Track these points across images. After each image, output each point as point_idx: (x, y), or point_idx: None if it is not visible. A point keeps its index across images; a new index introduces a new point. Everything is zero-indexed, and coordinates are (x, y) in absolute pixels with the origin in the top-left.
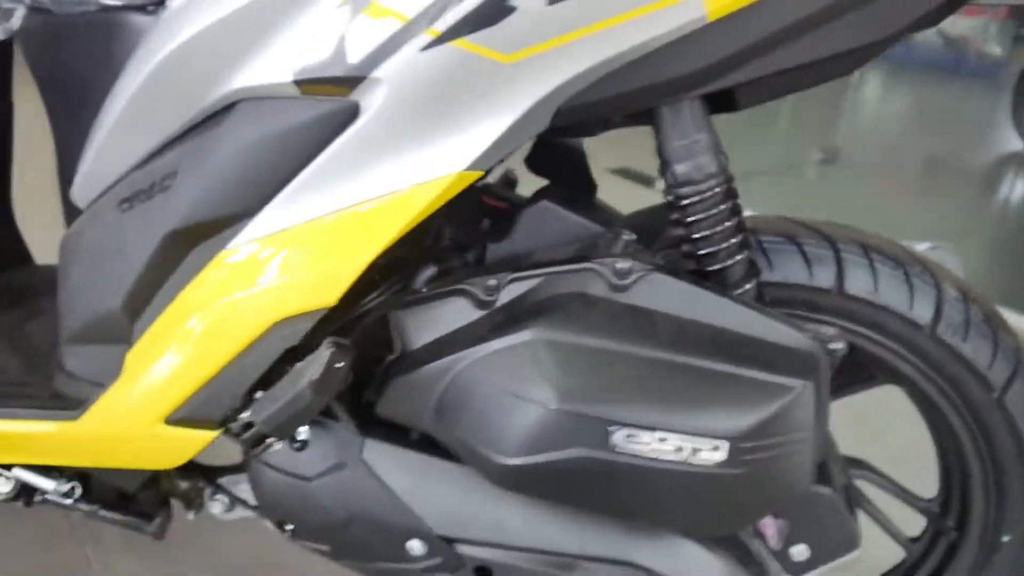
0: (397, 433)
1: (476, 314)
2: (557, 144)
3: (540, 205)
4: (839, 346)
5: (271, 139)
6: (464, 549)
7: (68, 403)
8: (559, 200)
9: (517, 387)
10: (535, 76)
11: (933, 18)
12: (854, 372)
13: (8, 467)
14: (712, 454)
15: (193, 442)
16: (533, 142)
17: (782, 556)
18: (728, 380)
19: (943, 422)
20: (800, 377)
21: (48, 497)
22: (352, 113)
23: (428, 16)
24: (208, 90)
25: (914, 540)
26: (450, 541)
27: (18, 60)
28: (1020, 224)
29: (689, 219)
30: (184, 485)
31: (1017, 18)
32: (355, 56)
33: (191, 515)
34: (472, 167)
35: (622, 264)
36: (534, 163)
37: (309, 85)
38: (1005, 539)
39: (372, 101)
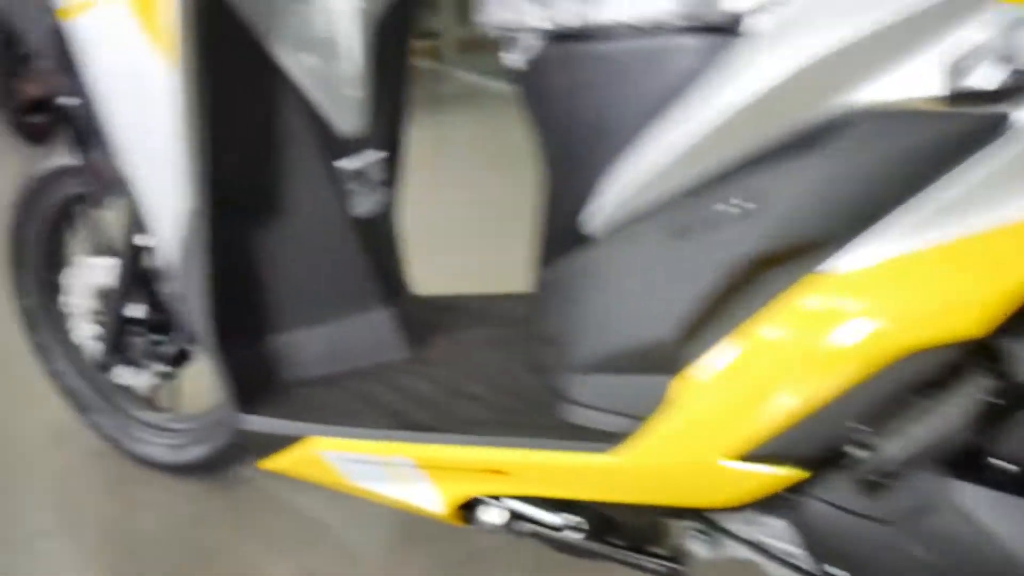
0: (992, 473)
1: None
2: None
3: None
4: None
5: (896, 155)
6: None
7: (588, 435)
8: None
9: None
10: None
11: None
12: None
13: (497, 497)
14: None
15: (768, 481)
16: None
17: None
18: None
19: None
20: None
21: (541, 531)
22: (998, 126)
23: None
24: (818, 109)
25: None
26: None
27: None
28: None
29: None
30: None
31: None
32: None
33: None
34: None
35: None
36: None
37: (957, 99)
38: None
39: None
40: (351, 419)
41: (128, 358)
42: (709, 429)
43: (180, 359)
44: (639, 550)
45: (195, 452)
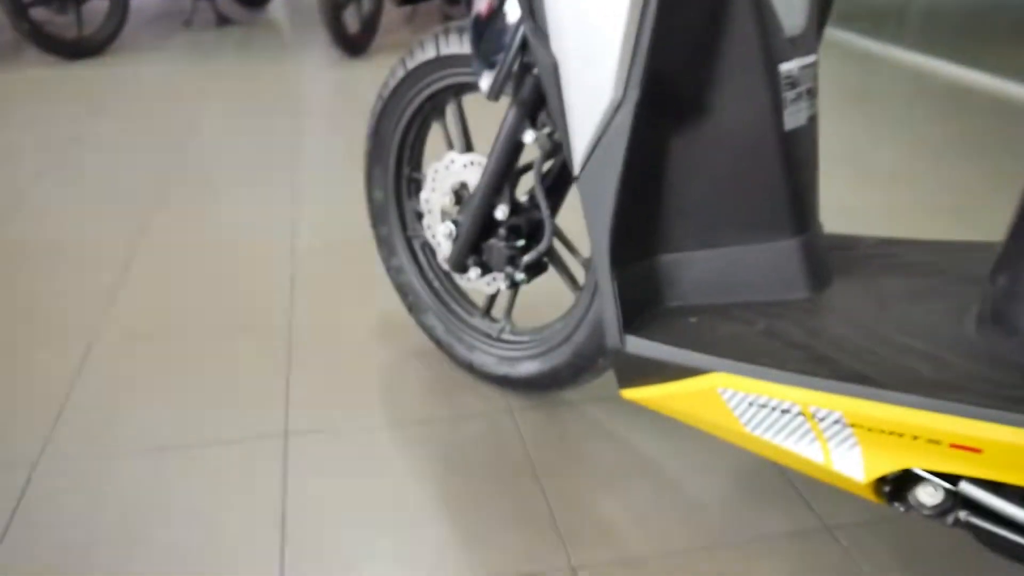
0: None
1: None
2: None
3: None
4: None
5: None
6: None
7: None
8: None
9: None
10: None
11: None
12: None
13: (937, 474)
14: None
15: None
16: None
17: None
18: None
19: None
20: None
21: (989, 526)
22: None
23: None
24: None
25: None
26: None
27: None
28: None
29: None
30: None
31: None
32: None
33: None
34: None
35: None
36: None
37: None
38: None
39: None
40: (768, 358)
41: (482, 261)
42: None
43: (536, 269)
44: None
45: (527, 367)
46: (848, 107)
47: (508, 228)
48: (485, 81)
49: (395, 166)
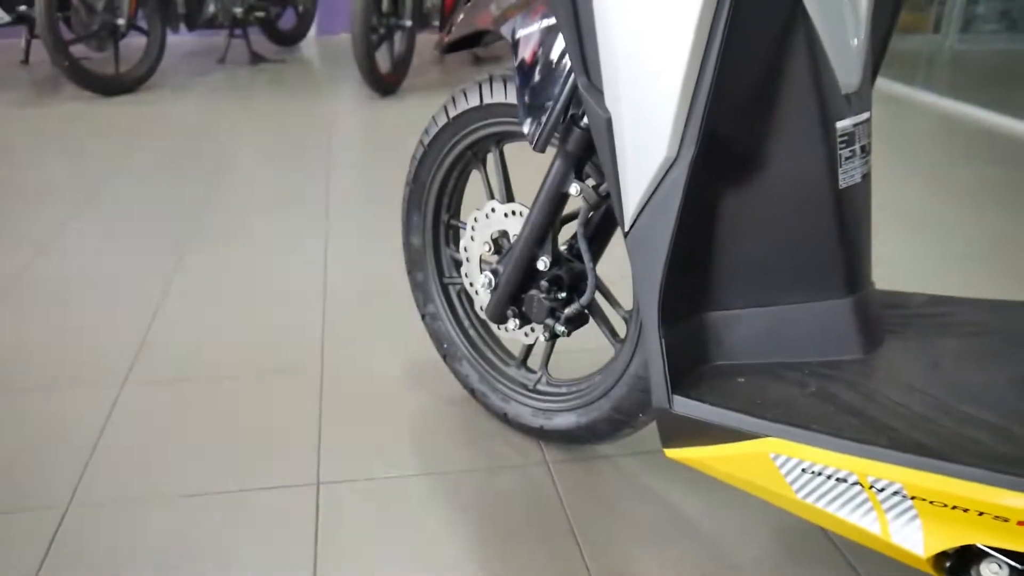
0: None
1: None
2: None
3: None
4: None
5: None
6: None
7: None
8: None
9: None
10: None
11: None
12: None
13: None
14: None
15: None
16: None
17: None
18: None
19: None
20: None
21: None
22: None
23: None
24: None
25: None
26: None
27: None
28: None
29: None
30: None
31: None
32: None
33: None
34: None
35: None
36: None
37: None
38: None
39: None
40: (822, 424)
41: (521, 313)
42: None
43: (577, 321)
44: None
45: (564, 420)
46: (883, 151)
47: (549, 280)
48: (530, 130)
49: (434, 213)
